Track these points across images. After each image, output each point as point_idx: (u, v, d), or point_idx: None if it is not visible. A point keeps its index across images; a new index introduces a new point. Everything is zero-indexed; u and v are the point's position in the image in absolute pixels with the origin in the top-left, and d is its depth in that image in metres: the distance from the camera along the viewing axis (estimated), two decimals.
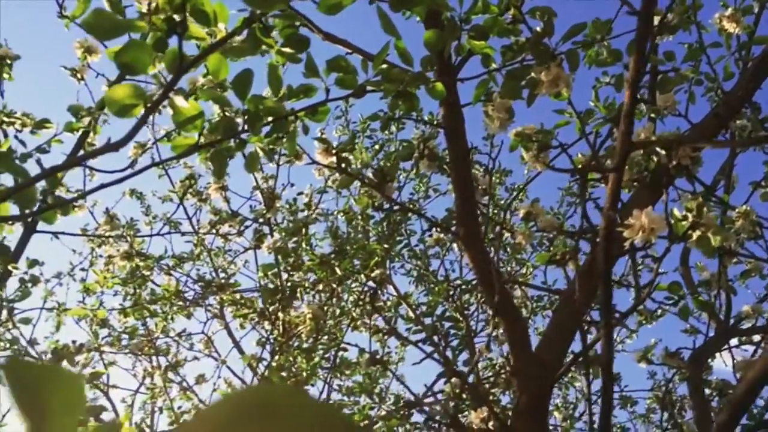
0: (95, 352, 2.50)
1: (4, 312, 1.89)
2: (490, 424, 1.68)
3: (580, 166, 1.54)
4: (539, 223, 1.85)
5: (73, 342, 2.72)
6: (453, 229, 1.58)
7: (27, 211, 1.03)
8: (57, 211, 1.05)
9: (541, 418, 1.55)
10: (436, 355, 2.00)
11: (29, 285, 1.93)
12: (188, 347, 3.31)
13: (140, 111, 0.97)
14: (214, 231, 2.77)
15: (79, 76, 2.22)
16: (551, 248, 2.39)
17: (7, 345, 2.08)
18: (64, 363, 2.33)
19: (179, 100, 0.97)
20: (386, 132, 2.24)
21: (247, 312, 2.40)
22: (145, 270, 3.00)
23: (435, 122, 1.64)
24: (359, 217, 2.50)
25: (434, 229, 1.74)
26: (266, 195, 2.46)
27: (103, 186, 1.21)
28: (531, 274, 2.66)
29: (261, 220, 2.57)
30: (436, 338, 1.96)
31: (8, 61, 2.12)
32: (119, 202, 4.27)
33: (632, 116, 0.94)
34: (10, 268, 1.89)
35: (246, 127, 1.30)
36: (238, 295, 2.90)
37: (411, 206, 1.90)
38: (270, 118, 1.33)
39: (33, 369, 0.18)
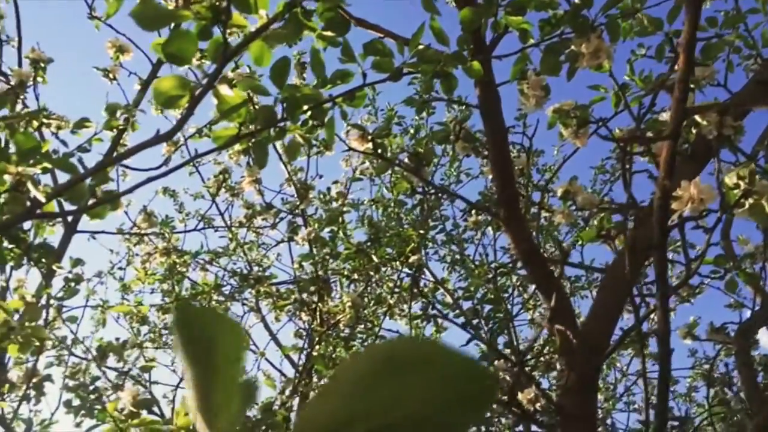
0: (137, 349, 2.54)
1: (52, 311, 1.92)
2: (538, 404, 1.67)
3: (622, 139, 1.51)
4: (578, 202, 1.83)
5: (117, 339, 2.77)
6: (493, 210, 1.56)
7: (78, 207, 1.04)
8: (107, 207, 1.07)
9: (590, 396, 1.54)
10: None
11: (73, 284, 1.96)
12: None
13: (186, 102, 0.98)
14: (248, 224, 2.78)
15: (111, 76, 2.24)
16: (586, 227, 2.36)
17: (56, 343, 2.12)
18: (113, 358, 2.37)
19: (224, 89, 0.97)
20: (418, 117, 2.23)
21: (285, 303, 2.41)
22: (182, 267, 3.04)
23: (466, 103, 1.62)
24: (392, 205, 2.49)
25: (473, 211, 1.73)
26: (299, 186, 2.47)
27: (149, 180, 1.22)
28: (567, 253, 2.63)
29: (295, 211, 2.58)
30: (475, 321, 1.95)
31: (42, 65, 2.15)
32: (152, 201, 4.33)
33: (687, 82, 0.92)
34: (54, 267, 1.92)
35: (285, 116, 1.30)
36: (274, 288, 2.92)
37: (440, 188, 1.89)
38: (308, 106, 1.33)
39: (203, 313, 0.18)
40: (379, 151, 1.62)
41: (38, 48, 2.22)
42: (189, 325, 0.18)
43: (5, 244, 1.77)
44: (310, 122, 1.35)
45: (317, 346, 2.32)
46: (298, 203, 2.53)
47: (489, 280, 2.12)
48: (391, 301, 2.59)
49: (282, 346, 3.45)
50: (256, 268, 2.97)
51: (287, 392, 2.33)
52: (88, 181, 1.11)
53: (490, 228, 2.27)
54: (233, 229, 3.02)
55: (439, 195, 2.33)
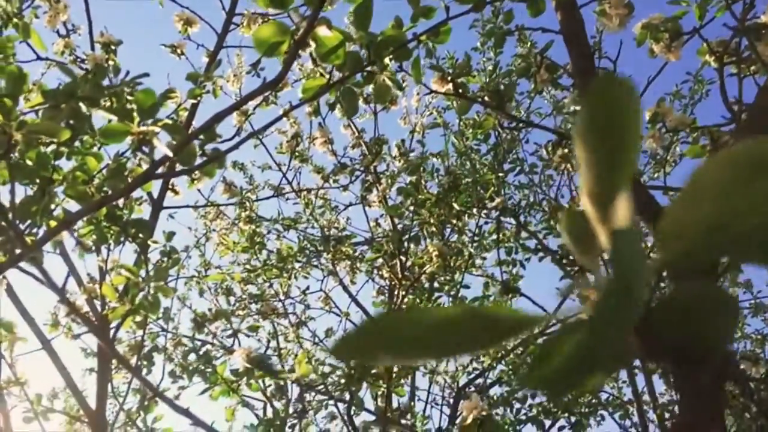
0: (226, 319, 2.61)
1: (152, 285, 1.98)
2: None
3: (716, 51, 1.44)
4: (669, 123, 1.76)
5: (210, 310, 2.87)
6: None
7: (189, 167, 1.06)
8: (215, 165, 1.08)
9: None
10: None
11: (167, 259, 2.02)
12: (306, 306, 3.41)
13: (286, 47, 0.97)
14: (323, 186, 2.81)
15: (179, 51, 2.27)
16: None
17: (159, 316, 2.20)
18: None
19: (322, 30, 0.96)
20: (495, 52, 2.17)
21: (374, 256, 2.43)
22: (258, 238, 3.10)
23: (549, 30, 1.57)
24: (468, 152, 2.46)
25: (562, 143, 1.69)
26: (371, 144, 2.46)
27: (241, 142, 1.23)
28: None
29: (369, 168, 2.58)
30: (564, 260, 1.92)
31: (112, 47, 2.20)
32: (223, 174, 4.42)
33: None
34: (149, 242, 1.98)
35: (371, 59, 1.29)
36: (351, 250, 2.95)
37: (528, 121, 1.85)
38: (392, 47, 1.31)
39: (621, 87, 0.17)
40: (461, 91, 1.60)
41: (107, 32, 2.27)
42: (603, 98, 0.17)
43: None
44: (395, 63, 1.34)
45: (405, 300, 2.34)
46: (371, 161, 2.52)
47: None
48: (472, 250, 2.58)
49: (362, 308, 3.50)
50: (332, 231, 3.00)
51: None
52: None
53: (568, 167, 2.21)
54: (305, 195, 3.05)
55: (515, 136, 2.28)
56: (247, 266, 3.06)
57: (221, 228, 3.45)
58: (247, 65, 2.70)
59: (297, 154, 2.81)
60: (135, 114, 0.90)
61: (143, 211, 2.20)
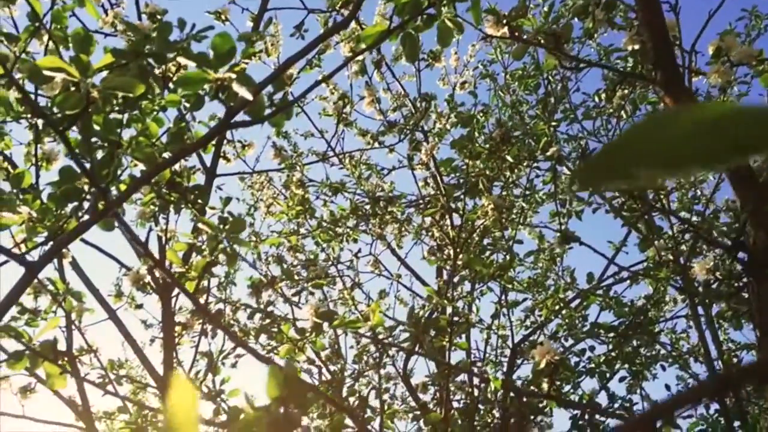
0: (290, 278, 2.65)
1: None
2: (717, 273, 1.61)
3: None
4: (734, 56, 1.69)
5: (265, 276, 2.91)
6: (651, 74, 1.47)
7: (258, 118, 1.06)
8: (283, 115, 1.08)
9: None
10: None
11: (228, 223, 2.04)
12: (356, 272, 3.43)
13: None
14: (374, 144, 2.80)
15: (223, 17, 2.26)
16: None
17: (220, 281, 2.23)
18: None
19: None
20: None
21: (432, 211, 2.42)
22: (307, 204, 3.12)
23: None
24: (517, 104, 2.42)
25: (625, 81, 1.64)
26: (419, 100, 2.43)
27: (306, 92, 1.22)
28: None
29: (418, 125, 2.56)
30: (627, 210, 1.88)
31: (158, 17, 2.20)
32: (266, 145, 4.45)
33: None
34: (207, 209, 2.00)
35: (431, 2, 1.26)
36: (399, 214, 2.96)
37: (589, 60, 1.79)
38: None
39: None
40: (516, 34, 1.56)
41: (151, 2, 2.28)
42: None
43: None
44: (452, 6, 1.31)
45: (458, 258, 2.33)
46: (420, 117, 2.50)
47: None
48: (525, 205, 2.55)
49: (412, 270, 3.51)
50: (380, 193, 3.00)
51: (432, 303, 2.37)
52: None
53: (626, 109, 2.14)
54: (350, 159, 3.05)
55: (565, 84, 2.23)
56: (302, 230, 3.08)
57: (268, 197, 3.49)
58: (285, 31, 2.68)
59: (343, 116, 2.80)
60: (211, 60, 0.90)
61: (197, 180, 2.23)
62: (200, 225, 1.43)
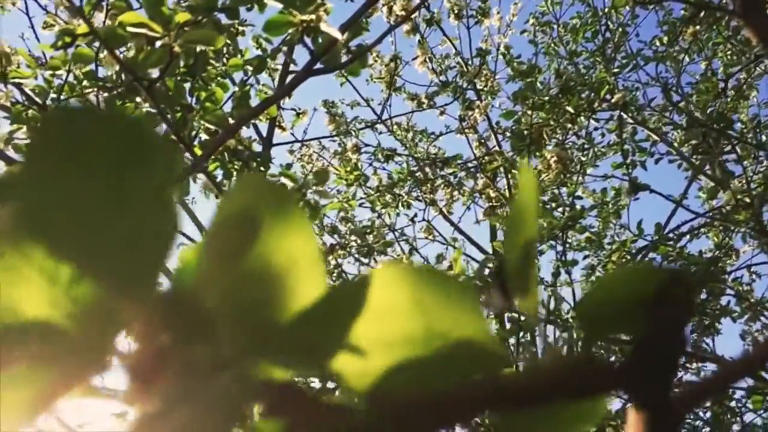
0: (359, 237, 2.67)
1: None
2: None
3: None
4: None
5: (324, 244, 2.92)
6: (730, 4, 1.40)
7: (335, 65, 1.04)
8: (359, 64, 1.07)
9: None
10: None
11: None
12: (407, 239, 3.43)
13: None
14: (425, 105, 2.77)
15: None
16: None
17: None
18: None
19: None
20: None
21: (495, 166, 2.39)
22: (359, 172, 3.11)
23: None
24: (573, 56, 2.35)
25: (701, 13, 1.56)
26: (474, 56, 2.39)
27: (371, 46, 1.20)
28: None
29: (472, 81, 2.51)
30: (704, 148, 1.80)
31: None
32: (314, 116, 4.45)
33: None
34: (269, 176, 2.01)
35: None
36: (458, 170, 2.93)
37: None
38: None
39: None
40: None
41: None
42: None
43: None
44: None
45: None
46: (474, 73, 2.45)
47: (718, 95, 1.92)
48: (583, 159, 2.49)
49: (465, 234, 3.49)
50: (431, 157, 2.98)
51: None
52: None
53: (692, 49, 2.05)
54: (400, 124, 3.03)
55: (625, 29, 2.15)
56: (364, 191, 3.07)
57: (318, 169, 3.50)
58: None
59: (395, 79, 2.77)
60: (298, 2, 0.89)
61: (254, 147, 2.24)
62: (283, 179, 1.43)
